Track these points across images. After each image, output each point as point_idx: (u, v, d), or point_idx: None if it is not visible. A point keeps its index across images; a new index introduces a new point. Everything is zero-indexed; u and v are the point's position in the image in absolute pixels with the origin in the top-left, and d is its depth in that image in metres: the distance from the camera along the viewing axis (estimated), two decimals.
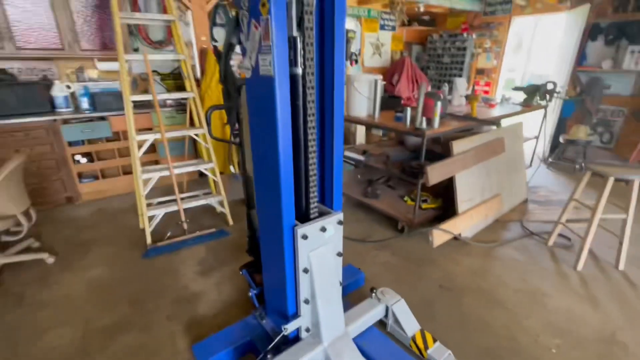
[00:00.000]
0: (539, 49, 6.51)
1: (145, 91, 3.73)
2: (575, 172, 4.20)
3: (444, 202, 2.93)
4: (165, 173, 2.59)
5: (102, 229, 2.86)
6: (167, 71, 3.81)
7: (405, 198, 3.00)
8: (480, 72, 5.71)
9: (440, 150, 3.02)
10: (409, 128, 2.43)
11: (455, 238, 2.58)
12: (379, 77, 2.73)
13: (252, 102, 1.26)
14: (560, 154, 4.47)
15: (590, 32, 4.27)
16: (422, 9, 4.99)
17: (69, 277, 2.23)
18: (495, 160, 2.91)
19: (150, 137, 2.52)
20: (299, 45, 1.15)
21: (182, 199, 2.76)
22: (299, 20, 1.12)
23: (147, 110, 3.37)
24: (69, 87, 3.22)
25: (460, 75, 5.69)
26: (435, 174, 2.28)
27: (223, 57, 1.34)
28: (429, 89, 5.28)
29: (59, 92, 3.11)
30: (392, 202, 2.98)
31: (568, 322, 1.84)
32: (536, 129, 4.09)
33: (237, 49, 1.35)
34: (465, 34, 5.47)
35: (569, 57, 4.32)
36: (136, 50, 3.64)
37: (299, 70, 1.19)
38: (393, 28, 5.86)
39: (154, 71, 3.68)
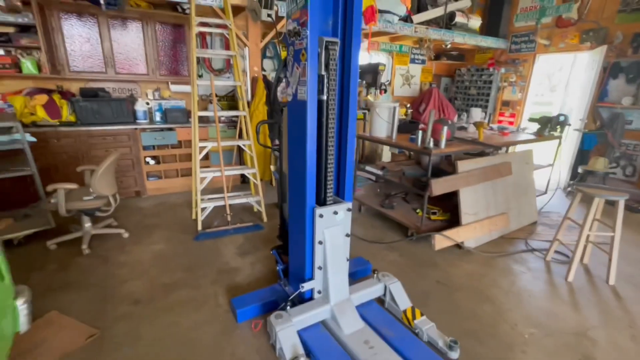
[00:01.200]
0: (572, 84, 6.68)
1: (205, 109, 4.50)
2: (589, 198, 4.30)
3: (452, 216, 3.27)
4: (218, 174, 3.21)
5: (163, 217, 3.52)
6: (222, 94, 4.58)
7: (418, 210, 3.39)
8: (506, 104, 6.00)
9: (452, 170, 3.40)
10: (419, 147, 2.87)
11: (459, 246, 2.91)
12: (397, 104, 3.22)
13: (290, 119, 1.80)
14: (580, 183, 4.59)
15: (611, 71, 4.50)
16: (449, 46, 5.48)
17: (139, 248, 2.86)
18: (502, 182, 3.23)
19: (209, 145, 3.17)
20: (325, 80, 1.70)
21: (228, 196, 3.36)
22: (326, 63, 1.67)
23: (205, 124, 4.10)
24: (148, 103, 4.05)
25: (486, 107, 6.02)
26: (438, 186, 2.68)
27: (273, 86, 1.91)
28: (456, 117, 5.65)
29: (140, 107, 3.93)
30: (405, 213, 3.37)
31: (547, 317, 2.12)
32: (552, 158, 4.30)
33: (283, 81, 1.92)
34: (491, 69, 5.84)
35: (589, 92, 4.55)
36: (200, 76, 4.44)
37: (324, 97, 1.72)
38: (423, 62, 6.38)
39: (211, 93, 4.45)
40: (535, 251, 2.98)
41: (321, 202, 1.87)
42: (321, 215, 1.79)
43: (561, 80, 5.97)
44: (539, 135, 3.73)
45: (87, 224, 2.88)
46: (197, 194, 3.16)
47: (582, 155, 4.82)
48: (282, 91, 1.89)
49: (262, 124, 2.15)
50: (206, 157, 4.20)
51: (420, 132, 2.91)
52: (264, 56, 4.67)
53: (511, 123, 5.88)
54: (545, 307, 2.22)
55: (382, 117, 3.22)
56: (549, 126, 3.71)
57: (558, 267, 2.72)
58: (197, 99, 3.26)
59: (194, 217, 3.46)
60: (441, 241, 2.78)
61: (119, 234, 3.03)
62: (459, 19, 5.05)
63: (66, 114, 3.54)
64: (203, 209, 3.26)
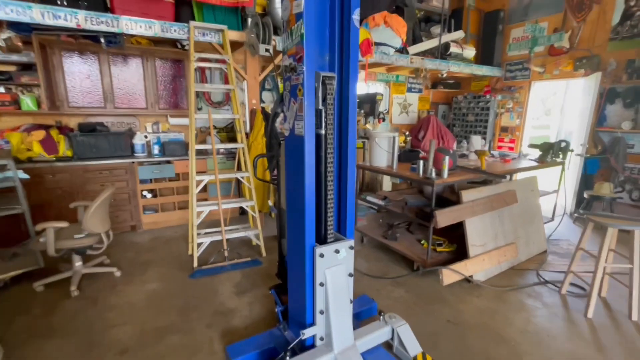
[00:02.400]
0: (568, 109, 6.76)
1: (204, 141, 4.49)
2: (602, 227, 4.18)
3: (459, 248, 3.14)
4: (215, 207, 3.12)
5: (158, 252, 3.39)
6: (221, 125, 4.59)
7: (423, 242, 3.26)
8: (505, 129, 6.01)
9: (455, 199, 3.31)
10: (421, 177, 2.80)
11: (468, 280, 2.76)
12: (397, 134, 3.19)
13: (288, 153, 1.74)
14: (586, 209, 4.49)
15: (608, 96, 4.53)
16: (445, 75, 5.57)
17: (131, 288, 2.71)
18: (509, 210, 3.13)
19: (206, 178, 3.11)
20: (323, 115, 1.65)
21: (225, 230, 3.25)
22: (324, 98, 1.63)
23: (203, 157, 4.07)
24: (146, 136, 4.04)
25: (484, 133, 6.03)
26: (443, 217, 2.59)
27: (270, 120, 1.87)
28: (455, 144, 5.64)
29: (138, 140, 3.91)
30: (409, 244, 3.24)
31: None
32: (556, 184, 4.23)
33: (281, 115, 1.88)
34: (488, 96, 5.91)
35: (588, 118, 4.55)
36: (200, 109, 4.47)
37: (322, 131, 1.67)
38: (420, 90, 6.48)
39: None
40: (548, 283, 2.83)
41: (321, 239, 1.77)
42: (322, 255, 1.68)
43: (556, 104, 5.99)
44: (542, 162, 3.68)
45: (78, 263, 2.75)
46: (193, 229, 3.06)
47: (586, 180, 4.75)
48: (281, 122, 1.84)
49: (260, 157, 2.10)
50: (204, 189, 4.13)
51: (421, 161, 2.85)
52: (262, 88, 4.73)
53: (511, 149, 5.86)
54: (567, 350, 2.05)
55: (382, 147, 3.18)
56: (551, 152, 3.66)
57: (575, 302, 2.56)
58: (196, 132, 3.24)
59: (190, 252, 3.33)
60: (449, 276, 2.64)
61: (110, 272, 2.90)
62: (454, 49, 5.16)
63: (63, 149, 3.51)
64: (199, 244, 3.14)
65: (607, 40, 4.55)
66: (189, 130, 3.13)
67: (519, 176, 4.17)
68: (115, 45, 3.38)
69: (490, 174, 2.93)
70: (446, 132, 6.05)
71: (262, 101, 4.73)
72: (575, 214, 4.47)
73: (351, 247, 1.79)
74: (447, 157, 2.71)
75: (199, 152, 4.16)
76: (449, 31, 5.52)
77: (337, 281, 1.76)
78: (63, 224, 2.44)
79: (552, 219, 4.10)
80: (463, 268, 2.70)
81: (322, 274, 1.72)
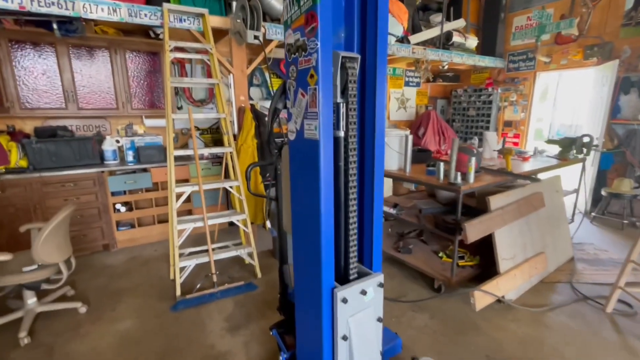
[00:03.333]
0: (566, 100, 6.51)
1: (186, 145, 3.99)
2: (624, 227, 3.90)
3: (483, 259, 2.77)
4: (199, 224, 2.64)
5: (134, 277, 2.89)
6: (205, 126, 4.09)
7: (440, 254, 2.87)
8: (508, 124, 5.70)
9: (475, 204, 2.94)
10: (442, 183, 2.40)
11: (499, 300, 2.38)
12: (408, 131, 2.78)
13: (295, 162, 1.30)
14: (604, 207, 4.20)
15: (622, 86, 4.24)
16: (446, 67, 5.20)
17: (99, 328, 2.22)
18: (535, 216, 2.77)
19: (188, 189, 2.62)
20: (342, 111, 1.21)
21: (213, 249, 2.78)
22: (343, 88, 1.19)
23: (185, 162, 3.57)
24: (118, 141, 3.50)
25: (487, 128, 5.71)
26: (473, 231, 2.19)
27: (268, 120, 1.41)
28: (476, 143, 5.31)
29: (109, 146, 3.38)
30: (426, 258, 2.85)
31: None
32: (574, 182, 3.93)
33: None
34: (490, 89, 5.58)
35: (601, 110, 4.26)
36: (180, 108, 3.96)
37: (342, 134, 1.23)
38: (417, 84, 6.10)
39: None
40: (588, 300, 2.47)
41: (342, 276, 1.34)
42: (345, 300, 1.25)
43: (549, 96, 5.74)
44: (564, 159, 3.34)
45: (31, 301, 2.24)
46: (174, 250, 2.57)
47: (600, 177, 4.46)
48: (281, 121, 1.39)
49: (254, 167, 1.64)
50: (188, 199, 3.63)
51: (441, 163, 2.45)
52: (250, 84, 4.25)
53: (516, 144, 5.56)
54: None
55: (393, 148, 2.76)
56: (573, 148, 3.33)
57: (625, 323, 2.22)
58: (176, 135, 2.75)
59: (172, 276, 2.85)
60: (481, 298, 2.25)
61: (74, 308, 2.39)
62: (456, 38, 4.80)
63: (15, 158, 2.96)
64: (182, 269, 2.66)
65: (620, 27, 4.25)
66: (167, 133, 2.64)
67: (539, 176, 3.83)
68: (73, 35, 2.85)
69: (519, 175, 2.55)
70: (447, 127, 5.71)
71: (250, 98, 4.25)
72: (593, 214, 4.17)
73: (380, 285, 1.37)
74: (472, 159, 2.31)
75: (181, 158, 3.66)
76: (449, 20, 5.15)
77: (364, 331, 1.33)
78: (5, 257, 1.93)
79: (572, 220, 3.78)
80: (495, 288, 2.31)
81: (344, 324, 1.29)
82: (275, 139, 1.53)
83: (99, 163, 3.34)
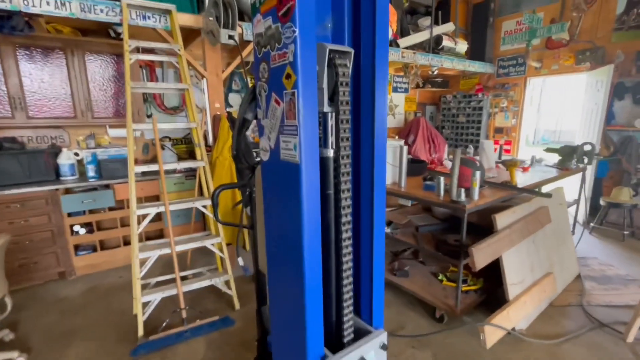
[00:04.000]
0: (550, 105, 6.44)
1: (156, 157, 3.61)
2: (625, 239, 3.73)
3: (487, 282, 2.51)
4: (166, 250, 2.28)
5: (91, 313, 2.49)
6: (179, 136, 3.73)
7: (440, 277, 2.59)
8: (499, 130, 5.55)
9: (476, 219, 2.68)
10: (443, 200, 2.13)
11: (509, 332, 2.11)
12: (402, 142, 2.51)
13: (269, 191, 0.98)
14: (602, 218, 4.04)
15: (615, 91, 4.12)
16: (435, 72, 5.02)
17: None
18: (541, 232, 2.53)
19: (152, 211, 2.26)
20: (332, 123, 0.91)
21: (183, 278, 2.42)
22: (332, 92, 0.89)
23: (155, 177, 3.20)
24: (77, 154, 3.11)
25: (478, 134, 5.54)
26: (481, 256, 1.92)
27: (235, 134, 1.10)
28: (446, 147, 5.11)
29: (65, 159, 2.98)
30: (425, 282, 2.56)
31: None
32: (571, 192, 3.75)
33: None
34: (480, 94, 5.43)
35: (596, 116, 4.12)
36: (150, 116, 3.59)
37: (331, 153, 0.93)
38: (406, 90, 5.90)
39: (165, 137, 3.59)
40: (604, 327, 2.23)
41: (333, 339, 1.03)
42: None
43: (533, 102, 5.63)
44: (565, 169, 3.14)
45: None
46: (136, 284, 2.20)
47: (595, 185, 4.32)
48: (254, 131, 1.07)
49: (222, 189, 1.32)
50: (158, 217, 3.25)
51: (441, 178, 2.18)
52: (229, 89, 3.92)
53: (507, 151, 5.39)
54: None
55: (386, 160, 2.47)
56: (574, 157, 3.13)
57: None
58: (146, 144, 2.39)
59: (135, 311, 2.46)
60: (492, 333, 1.97)
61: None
62: (446, 42, 4.61)
63: None
64: (146, 304, 2.29)
65: (611, 31, 4.15)
66: (128, 144, 2.28)
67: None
68: (20, 33, 2.46)
69: (528, 190, 2.30)
70: (437, 135, 5.50)
71: (228, 105, 3.92)
72: (592, 224, 4.00)
73: (384, 347, 1.05)
74: (477, 173, 2.05)
75: (152, 171, 3.28)
76: (437, 24, 4.98)
77: None
78: None
79: (573, 232, 3.58)
80: (505, 319, 2.04)
81: None
82: (247, 158, 1.21)
83: (54, 179, 2.93)
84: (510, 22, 5.17)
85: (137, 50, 3.19)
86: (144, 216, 2.40)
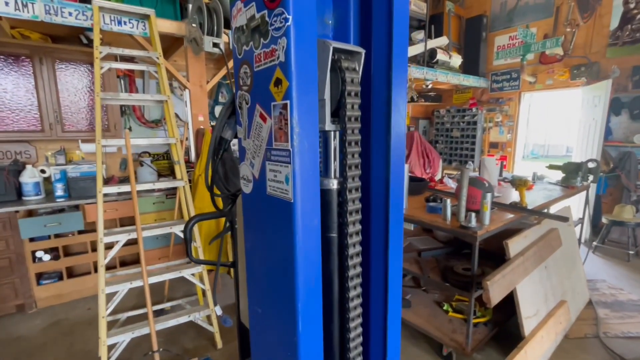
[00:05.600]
0: (539, 120, 6.38)
1: (134, 173, 3.32)
2: (630, 259, 3.59)
3: (496, 312, 2.28)
4: (137, 283, 1.99)
5: (49, 355, 2.16)
6: (160, 151, 3.46)
7: (445, 307, 2.36)
8: (494, 145, 5.45)
9: (482, 244, 2.47)
10: (450, 224, 1.92)
11: None
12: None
13: (252, 233, 0.75)
14: (605, 236, 3.90)
15: (612, 107, 4.05)
16: (430, 86, 4.91)
17: None
18: (552, 256, 2.34)
19: (122, 238, 1.99)
20: (334, 144, 0.69)
21: (159, 312, 2.13)
22: (336, 105, 0.67)
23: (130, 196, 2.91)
24: (43, 171, 2.81)
25: (472, 149, 5.43)
26: (497, 289, 1.70)
27: (209, 158, 0.86)
28: (440, 162, 4.95)
29: (29, 177, 2.67)
30: (429, 313, 2.32)
31: None
32: (573, 211, 3.60)
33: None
34: (474, 109, 5.34)
35: (594, 132, 4.04)
36: (129, 130, 3.32)
37: (334, 184, 0.70)
38: None
39: (144, 152, 3.32)
40: None
41: None
42: None
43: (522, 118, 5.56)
44: (571, 187, 2.98)
45: None
46: (101, 323, 1.90)
47: (595, 202, 4.20)
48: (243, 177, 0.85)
49: (196, 221, 1.07)
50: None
51: (447, 200, 1.97)
52: (215, 102, 3.69)
53: (504, 167, 5.27)
54: None
55: None
56: (579, 174, 2.99)
57: None
58: (104, 166, 2.14)
59: (100, 353, 2.14)
60: None
61: None
62: (441, 56, 4.52)
63: None
64: (113, 346, 1.98)
65: (606, 46, 4.11)
66: (97, 162, 2.01)
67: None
68: None
69: (543, 214, 2.12)
70: (431, 149, 5.35)
71: (214, 118, 3.69)
72: (595, 243, 3.85)
73: None
74: (488, 195, 1.85)
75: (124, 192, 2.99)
76: (429, 38, 4.90)
77: None
78: None
79: None
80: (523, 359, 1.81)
81: None
82: (226, 185, 0.97)
83: (14, 200, 2.62)
84: (503, 37, 5.14)
85: (115, 58, 2.97)
86: (110, 247, 2.12)
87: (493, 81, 5.31)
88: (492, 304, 1.66)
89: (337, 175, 0.71)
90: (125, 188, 2.03)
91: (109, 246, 2.03)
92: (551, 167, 3.30)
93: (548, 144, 12.06)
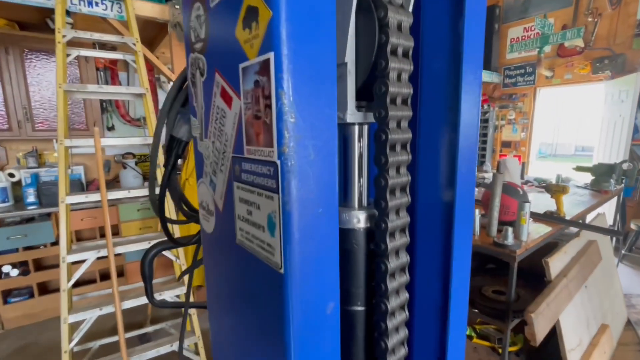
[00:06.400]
0: (548, 117, 6.08)
1: (117, 176, 3.02)
2: None
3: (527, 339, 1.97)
4: (108, 309, 1.69)
5: None
6: (145, 152, 3.15)
7: (468, 331, 2.04)
8: (507, 144, 5.13)
9: (511, 254, 2.15)
10: (480, 240, 1.61)
11: None
12: None
13: (217, 299, 0.43)
14: (632, 243, 3.59)
15: (638, 102, 3.73)
16: None
17: None
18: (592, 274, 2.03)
19: (89, 256, 1.68)
20: (360, 149, 0.37)
21: (140, 337, 1.82)
22: (368, 77, 0.36)
23: (113, 203, 2.60)
24: (12, 175, 2.50)
25: (484, 148, 5.10)
26: (543, 323, 1.38)
27: (152, 171, 0.55)
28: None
29: None
30: None
31: None
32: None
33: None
34: (485, 106, 5.02)
35: (621, 129, 3.71)
36: (111, 128, 3.02)
37: (360, 220, 0.38)
38: None
39: (128, 153, 3.01)
40: None
41: None
42: None
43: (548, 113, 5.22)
44: (604, 191, 2.66)
45: None
46: (63, 357, 1.59)
47: (621, 206, 3.87)
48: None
49: (158, 252, 0.74)
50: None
51: (476, 211, 1.66)
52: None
53: None
54: None
55: None
56: (613, 177, 2.67)
57: None
58: (69, 170, 1.83)
59: None
60: None
61: None
62: None
63: None
64: None
65: (632, 37, 3.78)
66: (59, 165, 1.70)
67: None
68: None
69: (587, 226, 1.81)
70: None
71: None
72: (623, 251, 3.53)
73: None
74: (526, 205, 1.53)
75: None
76: None
77: None
78: None
79: None
80: None
81: None
82: (187, 203, 0.66)
83: None
84: (517, 28, 4.80)
85: (93, 46, 2.66)
86: (76, 268, 1.81)
87: (506, 76, 4.98)
88: (537, 341, 1.35)
89: (366, 202, 0.40)
90: (94, 197, 1.72)
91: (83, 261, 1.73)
92: (579, 168, 2.98)
93: (556, 142, 11.65)
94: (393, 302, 0.38)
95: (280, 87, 0.25)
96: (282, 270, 0.27)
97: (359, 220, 0.38)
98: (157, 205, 0.59)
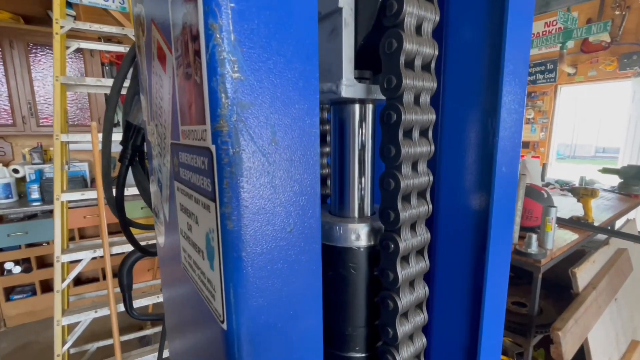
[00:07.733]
0: (567, 116, 5.84)
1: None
2: None
3: (548, 352, 1.81)
4: (103, 312, 1.62)
5: None
6: None
7: None
8: (525, 145, 4.91)
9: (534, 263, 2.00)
10: None
11: None
12: None
13: (170, 319, 0.33)
14: None
15: None
16: None
17: None
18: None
19: (85, 256, 1.61)
20: (362, 137, 0.26)
21: (141, 339, 1.75)
22: (371, 34, 0.24)
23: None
24: (16, 171, 2.47)
25: None
26: (571, 341, 1.24)
27: (104, 170, 0.44)
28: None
29: None
30: None
31: None
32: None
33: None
34: None
35: None
36: (116, 124, 2.97)
37: (361, 235, 0.28)
38: None
39: None
40: None
41: None
42: None
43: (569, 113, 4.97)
44: (633, 195, 2.47)
45: None
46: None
47: None
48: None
49: (136, 260, 0.64)
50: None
51: None
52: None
53: None
54: None
55: None
56: None
57: None
58: (68, 166, 1.78)
59: None
60: None
61: None
62: None
63: None
64: None
65: None
66: (54, 161, 1.65)
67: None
68: None
69: (619, 233, 1.65)
70: None
71: None
72: None
73: None
74: (552, 210, 1.39)
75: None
76: None
77: None
78: None
79: None
80: None
81: None
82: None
83: None
84: (538, 23, 4.58)
85: (99, 39, 2.62)
86: (71, 268, 1.75)
87: None
88: (564, 357, 1.21)
89: (369, 211, 0.29)
90: (91, 194, 1.66)
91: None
92: (605, 170, 2.78)
93: (575, 143, 11.20)
94: (404, 353, 0.27)
95: (212, 15, 0.14)
96: (224, 325, 0.17)
97: (359, 236, 0.27)
98: (115, 205, 0.49)
